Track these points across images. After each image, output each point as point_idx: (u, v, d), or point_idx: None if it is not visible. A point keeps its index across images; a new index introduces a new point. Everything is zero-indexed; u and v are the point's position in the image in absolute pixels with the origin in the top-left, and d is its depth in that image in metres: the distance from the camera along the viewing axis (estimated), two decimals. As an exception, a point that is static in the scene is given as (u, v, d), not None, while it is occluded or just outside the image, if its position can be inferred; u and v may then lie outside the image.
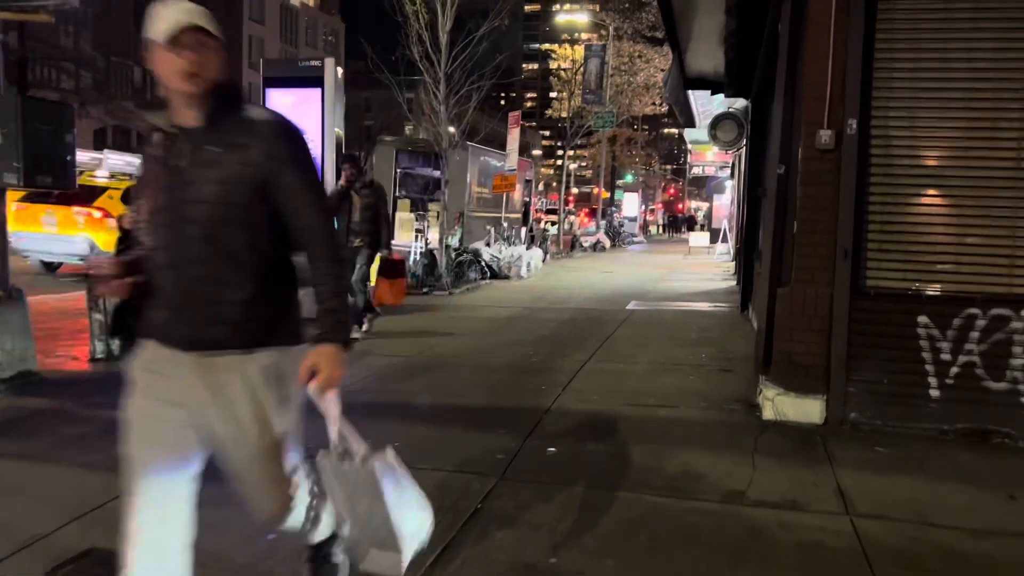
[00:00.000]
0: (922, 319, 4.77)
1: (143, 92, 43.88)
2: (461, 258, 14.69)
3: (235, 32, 51.54)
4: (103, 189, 14.55)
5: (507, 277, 15.87)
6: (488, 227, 18.96)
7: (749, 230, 10.67)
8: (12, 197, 13.17)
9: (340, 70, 9.34)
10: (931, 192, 4.83)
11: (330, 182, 9.19)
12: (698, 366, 6.76)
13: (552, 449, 4.36)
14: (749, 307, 10.62)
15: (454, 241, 18.76)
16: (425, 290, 12.70)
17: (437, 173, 20.56)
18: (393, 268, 8.63)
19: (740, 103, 12.94)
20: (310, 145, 2.18)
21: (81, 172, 15.43)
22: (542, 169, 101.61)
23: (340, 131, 9.42)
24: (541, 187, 56.76)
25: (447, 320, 9.75)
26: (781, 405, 4.96)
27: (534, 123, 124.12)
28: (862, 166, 4.83)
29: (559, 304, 11.67)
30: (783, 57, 5.15)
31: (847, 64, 4.75)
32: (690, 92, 11.67)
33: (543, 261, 20.90)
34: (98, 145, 40.39)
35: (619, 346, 7.80)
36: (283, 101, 9.39)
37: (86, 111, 34.08)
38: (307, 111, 9.25)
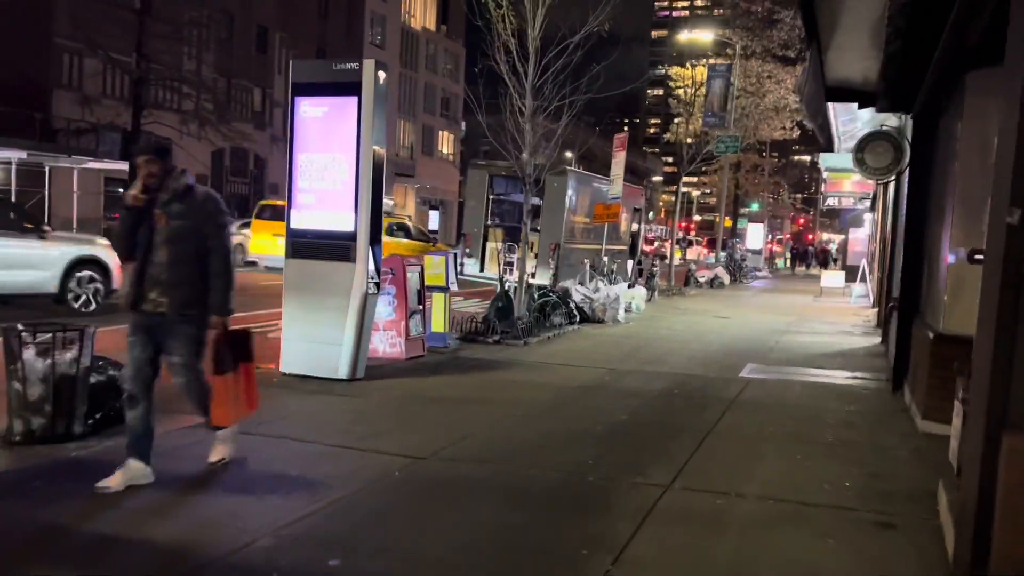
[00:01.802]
0: None
1: (262, 115, 44.48)
2: (546, 299, 12.63)
3: (355, 57, 51.72)
4: None
5: (601, 321, 13.70)
6: (584, 261, 16.86)
7: (909, 279, 8.13)
8: None
9: (383, 75, 7.55)
10: None
11: (362, 221, 7.39)
12: (839, 510, 4.41)
13: None
14: (905, 385, 8.06)
15: (544, 278, 16.81)
16: (496, 338, 10.71)
17: (537, 200, 18.71)
18: (235, 346, 4.57)
19: (893, 120, 10.36)
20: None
21: None
22: (663, 196, 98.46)
23: (381, 148, 7.61)
24: (651, 215, 54.22)
25: (503, 386, 7.72)
26: (1010, 659, 2.64)
27: (656, 149, 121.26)
28: None
29: (653, 365, 9.43)
30: (1019, 26, 2.87)
31: None
32: (830, 106, 9.26)
33: (649, 300, 18.57)
34: (216, 167, 41.09)
35: (721, 453, 5.53)
36: (314, 112, 7.72)
37: (205, 132, 34.40)
38: (342, 124, 7.53)
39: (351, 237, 7.49)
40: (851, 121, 11.77)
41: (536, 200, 18.70)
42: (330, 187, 7.60)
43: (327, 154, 7.62)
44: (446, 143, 63.40)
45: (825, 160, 15.17)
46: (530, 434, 5.91)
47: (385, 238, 20.11)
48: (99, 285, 11.84)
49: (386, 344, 9.06)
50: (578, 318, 13.21)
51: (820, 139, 8.51)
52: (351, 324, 7.50)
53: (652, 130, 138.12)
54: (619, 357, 10.01)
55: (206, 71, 37.86)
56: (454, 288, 10.32)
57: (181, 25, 33.26)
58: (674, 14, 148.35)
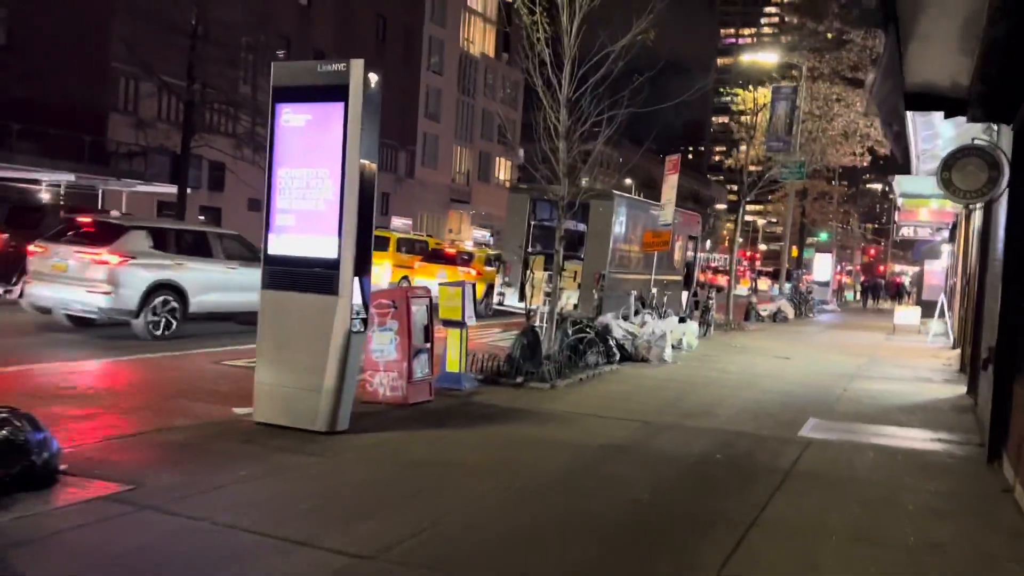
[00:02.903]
0: None
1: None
2: (581, 335, 11.36)
3: (412, 83, 51.61)
4: (472, 255, 22.20)
5: (645, 360, 12.35)
6: (632, 292, 15.52)
7: (1009, 326, 6.64)
8: (416, 258, 22.61)
9: (374, 77, 6.51)
10: None
11: (346, 247, 6.30)
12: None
13: None
14: (1004, 456, 6.55)
15: (588, 310, 15.53)
16: (520, 379, 9.49)
17: (582, 227, 17.51)
18: None
19: (983, 134, 8.86)
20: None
21: (453, 241, 22.67)
22: (728, 224, 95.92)
23: (371, 163, 6.54)
24: (708, 244, 52.38)
25: (510, 445, 6.49)
26: None
27: (720, 176, 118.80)
28: None
29: (696, 419, 8.07)
30: None
31: None
32: (908, 117, 7.86)
33: (703, 336, 17.11)
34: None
35: (765, 561, 4.18)
36: (296, 121, 6.70)
37: (258, 157, 34.30)
38: (327, 134, 6.48)
39: (334, 265, 6.41)
40: (932, 138, 10.29)
41: (581, 226, 17.53)
42: (312, 207, 6.55)
43: (309, 169, 6.59)
44: (503, 169, 62.74)
45: (900, 184, 13.53)
46: (520, 520, 4.66)
47: (487, 268, 20.77)
48: None
49: (387, 387, 7.93)
50: (618, 356, 11.89)
51: (896, 152, 7.14)
52: (332, 367, 6.40)
53: (717, 158, 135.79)
54: (657, 407, 8.68)
55: (262, 96, 37.91)
56: (472, 323, 9.14)
57: (237, 49, 33.26)
58: (740, 41, 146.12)
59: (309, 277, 6.52)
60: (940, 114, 8.74)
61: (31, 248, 11.51)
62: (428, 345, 8.24)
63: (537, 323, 10.80)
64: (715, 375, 11.50)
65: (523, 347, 10.11)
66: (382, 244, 22.85)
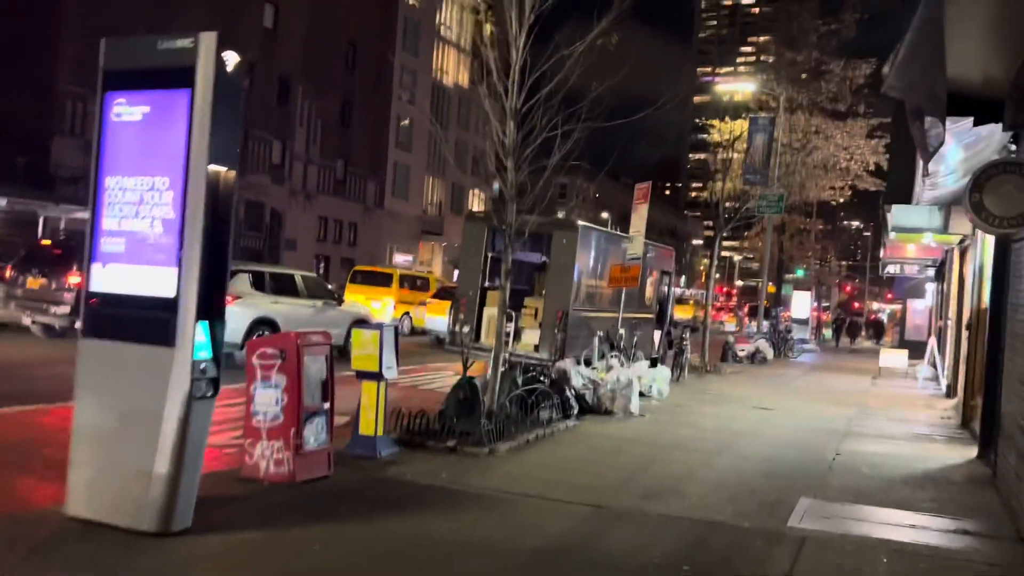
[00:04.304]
0: None
1: (280, 168, 42.81)
2: (533, 385, 9.70)
3: (383, 111, 50.25)
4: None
5: (608, 412, 10.73)
6: (598, 333, 13.95)
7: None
8: (425, 295, 22.34)
9: (232, 57, 4.91)
10: None
11: (187, 281, 4.65)
12: None
13: None
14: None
15: (550, 350, 13.93)
16: (452, 443, 7.80)
17: (544, 258, 16.01)
18: None
19: (993, 148, 7.41)
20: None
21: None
22: (705, 260, 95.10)
23: (229, 170, 4.90)
24: (683, 279, 51.15)
25: (412, 551, 4.79)
26: None
27: (698, 212, 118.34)
28: None
29: (660, 499, 6.41)
30: None
31: None
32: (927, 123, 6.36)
33: (677, 380, 15.54)
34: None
35: None
36: (131, 114, 5.06)
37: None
38: (169, 131, 4.86)
39: (171, 306, 4.75)
40: (936, 160, 8.83)
41: (543, 258, 16.03)
42: (146, 228, 4.90)
43: (146, 177, 4.94)
44: (477, 201, 61.31)
45: (896, 215, 12.05)
46: None
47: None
48: None
49: (270, 461, 6.23)
50: (576, 409, 10.24)
51: (921, 156, 5.70)
52: (167, 445, 4.71)
53: (694, 193, 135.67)
54: (615, 481, 7.04)
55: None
56: (391, 375, 7.46)
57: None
58: (717, 79, 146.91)
59: (139, 322, 4.85)
60: (951, 130, 7.33)
61: None
62: (326, 406, 6.55)
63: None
64: (687, 433, 9.87)
65: (458, 402, 8.44)
66: (385, 280, 23.28)
